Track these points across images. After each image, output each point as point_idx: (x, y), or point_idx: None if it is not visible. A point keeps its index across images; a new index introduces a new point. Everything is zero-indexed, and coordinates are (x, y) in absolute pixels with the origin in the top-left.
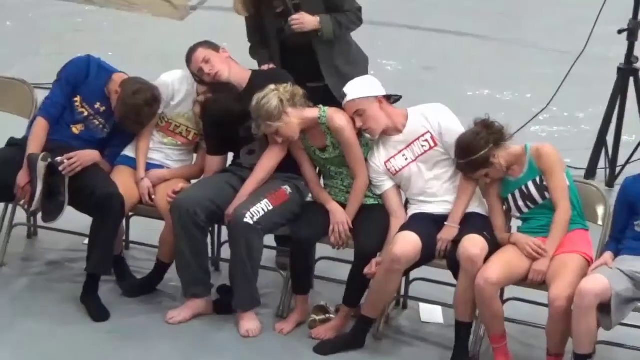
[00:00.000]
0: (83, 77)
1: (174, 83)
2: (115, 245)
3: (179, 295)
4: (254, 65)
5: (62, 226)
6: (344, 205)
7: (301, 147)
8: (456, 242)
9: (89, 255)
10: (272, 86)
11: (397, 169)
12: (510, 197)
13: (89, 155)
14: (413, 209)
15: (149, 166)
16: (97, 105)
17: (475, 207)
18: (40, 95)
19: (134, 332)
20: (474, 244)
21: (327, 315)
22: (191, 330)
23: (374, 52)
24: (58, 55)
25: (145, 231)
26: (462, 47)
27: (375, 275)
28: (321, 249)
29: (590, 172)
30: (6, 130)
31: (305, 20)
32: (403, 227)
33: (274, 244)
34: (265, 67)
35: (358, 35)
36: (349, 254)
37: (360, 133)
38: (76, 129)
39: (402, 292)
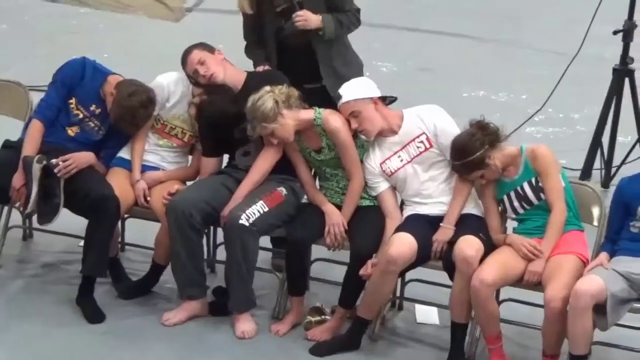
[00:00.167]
0: (78, 79)
1: (170, 85)
2: (111, 247)
3: (175, 297)
4: (249, 66)
5: (58, 228)
6: (339, 207)
7: (296, 148)
8: (452, 243)
9: (85, 257)
10: (268, 88)
11: (393, 171)
12: (505, 198)
13: (84, 157)
14: (408, 210)
15: (145, 168)
16: (93, 107)
17: (471, 208)
18: (36, 98)
19: (130, 334)
20: (469, 245)
21: (323, 317)
22: (187, 332)
23: (370, 54)
24: (53, 57)
25: (140, 233)
26: (457, 49)
27: (370, 277)
28: (317, 251)
29: (586, 173)
30: (1, 132)
31: (309, 18)
32: (398, 229)
33: (270, 246)
34: (260, 68)
35: (354, 37)
36: (345, 255)
37: (355, 134)
38: (71, 131)
39: (398, 293)
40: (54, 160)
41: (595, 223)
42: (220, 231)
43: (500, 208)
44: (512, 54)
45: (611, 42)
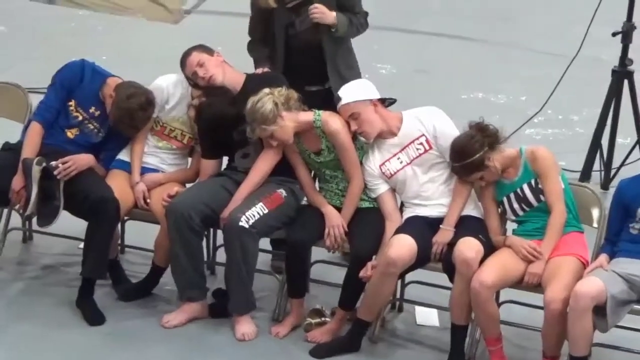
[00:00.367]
0: (77, 81)
1: (169, 87)
2: (111, 249)
3: (175, 299)
4: (248, 68)
5: (57, 230)
6: (339, 209)
7: (296, 150)
8: (451, 245)
9: (84, 259)
10: (267, 90)
11: (392, 172)
12: (505, 199)
13: (84, 160)
14: (408, 212)
15: (144, 170)
16: (92, 110)
17: (471, 210)
18: (35, 100)
19: (130, 336)
20: (469, 247)
21: (323, 319)
22: (187, 334)
23: (369, 56)
24: (52, 60)
25: (140, 235)
26: (456, 50)
27: (370, 279)
28: (316, 252)
29: (585, 174)
30: (0, 134)
31: (325, 12)
32: (398, 230)
33: (269, 248)
34: (259, 70)
35: (353, 38)
36: (341, 257)
37: (355, 136)
38: (71, 133)
39: (398, 295)
40: (53, 163)
41: (595, 225)
42: (220, 233)
43: (499, 210)
44: (511, 56)
45: (610, 44)
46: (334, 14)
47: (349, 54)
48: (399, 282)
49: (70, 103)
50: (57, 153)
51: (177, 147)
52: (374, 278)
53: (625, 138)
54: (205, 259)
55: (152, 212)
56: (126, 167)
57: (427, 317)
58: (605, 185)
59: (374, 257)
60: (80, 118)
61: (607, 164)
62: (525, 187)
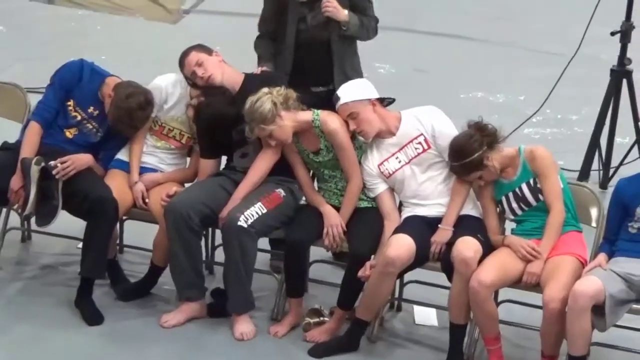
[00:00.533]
0: (76, 81)
1: (167, 86)
2: (109, 249)
3: (173, 299)
4: (247, 68)
5: (56, 230)
6: (337, 208)
7: (295, 150)
8: (450, 244)
9: (83, 259)
10: (266, 89)
11: (391, 172)
12: (504, 199)
13: (83, 159)
14: (407, 212)
15: (143, 170)
16: (91, 109)
17: (469, 210)
18: (34, 100)
19: (128, 336)
20: (467, 247)
21: (322, 318)
22: (185, 334)
23: (368, 55)
24: (51, 60)
25: (139, 235)
26: (455, 50)
27: (369, 278)
28: (315, 252)
29: (584, 174)
30: None
31: (338, 7)
32: (397, 230)
33: (268, 247)
34: (258, 69)
35: (362, 41)
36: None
37: (353, 136)
38: (69, 133)
39: (397, 294)
40: (52, 162)
41: (594, 224)
42: (218, 233)
43: (498, 209)
44: (510, 55)
45: (609, 43)
46: (346, 11)
47: (355, 57)
48: (398, 281)
49: (69, 103)
50: (56, 153)
51: (176, 147)
52: (372, 277)
53: (623, 137)
54: (204, 258)
55: (151, 212)
56: (125, 166)
57: (426, 316)
58: (603, 185)
59: (372, 256)
60: (79, 118)
61: (606, 164)
62: (524, 186)
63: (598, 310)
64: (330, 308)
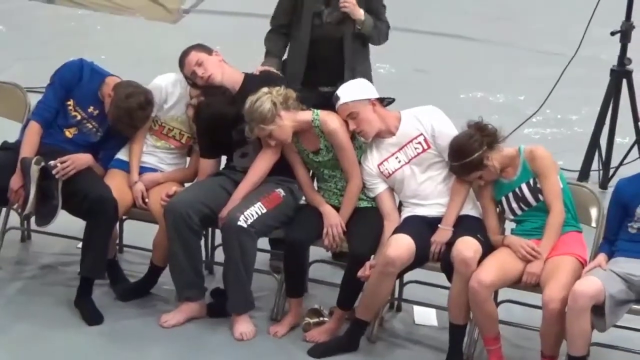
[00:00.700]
0: (76, 80)
1: (167, 86)
2: (109, 249)
3: (173, 299)
4: (247, 68)
5: (56, 230)
6: (337, 208)
7: (294, 150)
8: (450, 244)
9: (83, 258)
10: (265, 89)
11: (390, 172)
12: (503, 199)
13: (83, 159)
14: (406, 212)
15: (143, 169)
16: (91, 109)
17: (469, 210)
18: (34, 99)
19: (128, 336)
20: (467, 247)
21: (321, 318)
22: (185, 334)
23: None
24: (51, 59)
25: (138, 235)
26: (455, 50)
27: (369, 278)
28: (315, 252)
29: (584, 174)
30: None
31: (356, 5)
32: (397, 230)
33: (268, 247)
34: (259, 69)
35: (374, 44)
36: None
37: (353, 136)
38: (69, 133)
39: (396, 294)
40: (52, 162)
41: (594, 224)
42: (218, 233)
43: (498, 209)
44: (510, 55)
45: (609, 43)
46: (362, 10)
47: (367, 62)
48: (398, 281)
49: (69, 102)
50: (56, 152)
51: (176, 147)
52: (372, 278)
53: (623, 137)
54: (204, 258)
55: (151, 212)
56: (125, 166)
57: (426, 316)
58: (603, 185)
59: (372, 256)
60: (79, 117)
61: (606, 164)
62: (524, 186)
63: (598, 310)
64: (330, 308)
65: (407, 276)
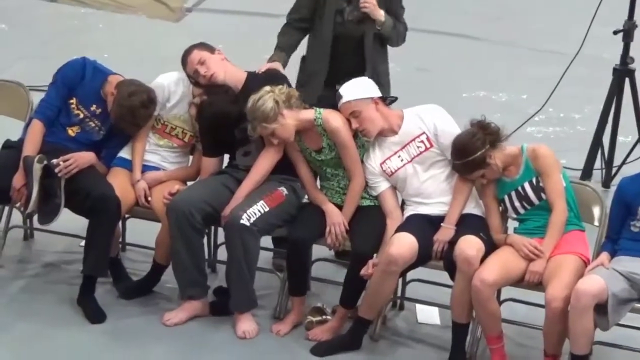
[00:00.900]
0: (79, 79)
1: (170, 85)
2: (112, 247)
3: (176, 297)
4: (250, 66)
5: (58, 228)
6: (340, 207)
7: (297, 148)
8: (452, 243)
9: (85, 257)
10: (268, 88)
11: (393, 170)
12: (506, 198)
13: (85, 157)
14: (409, 210)
15: (145, 168)
16: (93, 107)
17: (472, 208)
18: (36, 98)
19: (131, 334)
20: (470, 245)
21: (324, 317)
22: (188, 332)
23: None
24: (54, 58)
25: (141, 233)
26: (457, 49)
27: (371, 277)
28: (317, 250)
29: (587, 173)
30: (2, 132)
31: (376, 5)
32: (399, 229)
33: (271, 246)
34: (263, 68)
35: (392, 46)
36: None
37: (355, 134)
38: (72, 131)
39: (399, 293)
40: (54, 160)
41: (596, 223)
42: (221, 231)
43: (501, 208)
44: (513, 54)
45: (611, 42)
46: (382, 11)
47: (385, 64)
48: (400, 280)
49: (72, 101)
50: (58, 151)
51: (178, 145)
52: (375, 276)
53: (626, 136)
54: (207, 257)
55: (153, 210)
56: (127, 165)
57: (428, 315)
58: (606, 184)
59: (375, 255)
60: (82, 116)
61: (608, 162)
62: (527, 185)
63: (600, 309)
64: (333, 306)
65: (410, 275)
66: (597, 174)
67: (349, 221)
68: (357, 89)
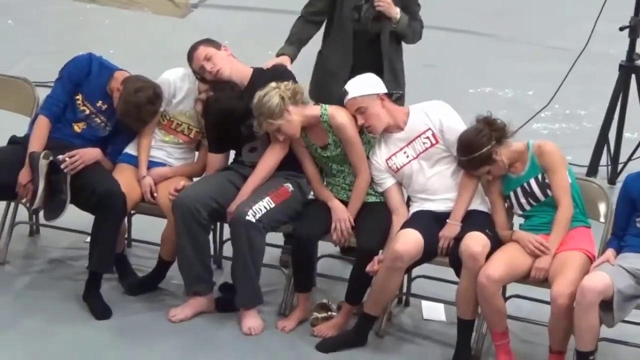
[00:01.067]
0: (85, 75)
1: (176, 81)
2: (117, 243)
3: (181, 293)
4: (255, 62)
5: (64, 224)
6: (345, 203)
7: (303, 144)
8: (458, 239)
9: (91, 253)
10: (274, 84)
11: (399, 167)
12: (512, 194)
13: (91, 153)
14: (415, 207)
15: (151, 164)
16: (99, 103)
17: (477, 205)
18: (42, 94)
19: (136, 330)
20: (476, 242)
21: (329, 313)
22: (193, 328)
23: None
24: (60, 54)
25: (147, 229)
26: (463, 45)
27: (377, 273)
28: (323, 247)
29: (592, 169)
30: (8, 128)
31: (391, 3)
32: (405, 225)
33: (276, 242)
34: (270, 63)
35: (408, 43)
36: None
37: (361, 130)
38: (78, 127)
39: (404, 289)
40: (60, 156)
41: (602, 219)
42: (226, 227)
43: (506, 204)
44: (519, 50)
45: (617, 39)
46: (398, 9)
47: (400, 59)
48: (406, 276)
49: (78, 97)
50: (64, 147)
51: (184, 141)
52: (380, 272)
53: (632, 133)
54: (212, 253)
55: (159, 206)
56: (133, 161)
57: (434, 311)
58: (612, 180)
59: (380, 251)
60: (88, 112)
61: (614, 159)
62: (532, 181)
63: (606, 305)
64: (338, 303)
65: (416, 271)
66: (603, 171)
67: (354, 217)
68: (363, 85)
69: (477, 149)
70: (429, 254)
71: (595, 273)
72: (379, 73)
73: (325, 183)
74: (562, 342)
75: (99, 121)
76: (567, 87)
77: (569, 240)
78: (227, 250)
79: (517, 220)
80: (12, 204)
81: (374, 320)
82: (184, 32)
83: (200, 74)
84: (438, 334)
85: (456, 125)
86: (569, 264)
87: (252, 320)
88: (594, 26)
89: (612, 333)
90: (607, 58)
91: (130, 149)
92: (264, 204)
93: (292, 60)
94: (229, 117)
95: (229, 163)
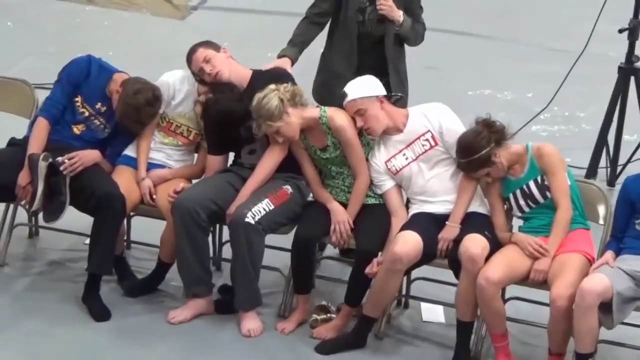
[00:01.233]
0: (84, 77)
1: (175, 83)
2: (117, 245)
3: (180, 295)
4: (255, 64)
5: (63, 226)
6: (345, 205)
7: (302, 146)
8: (457, 241)
9: (90, 255)
10: (273, 86)
11: (398, 169)
12: (511, 196)
13: (90, 155)
14: (414, 209)
15: (150, 166)
16: (98, 105)
17: (477, 207)
18: (41, 95)
19: (136, 332)
20: (475, 244)
21: (329, 315)
22: (192, 330)
23: None
24: (59, 55)
25: (146, 231)
26: (462, 47)
27: (376, 275)
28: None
29: (591, 171)
30: (7, 130)
31: (393, 6)
32: (404, 227)
33: (275, 244)
34: (270, 65)
35: (411, 45)
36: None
37: (361, 132)
38: (77, 129)
39: (404, 291)
40: (59, 158)
41: (601, 221)
42: (226, 229)
43: (506, 206)
44: (518, 53)
45: (617, 41)
46: (400, 12)
47: (403, 61)
48: (405, 278)
49: (77, 99)
50: (63, 149)
51: (183, 143)
52: (379, 274)
53: (631, 135)
54: (211, 255)
55: (158, 208)
56: (132, 163)
57: (433, 313)
58: (611, 182)
59: (379, 253)
60: (87, 114)
61: (614, 161)
62: (532, 183)
63: (605, 307)
64: (338, 305)
65: (415, 273)
66: (602, 173)
67: (353, 219)
68: (362, 88)
69: (476, 151)
70: (428, 256)
71: (594, 275)
72: (383, 75)
73: (324, 185)
74: (562, 344)
75: (98, 123)
76: (567, 89)
77: (568, 242)
78: (227, 252)
79: (517, 222)
80: (12, 206)
81: (373, 322)
82: (183, 34)
83: (199, 76)
84: (437, 336)
85: (455, 127)
86: (568, 266)
87: (251, 322)
88: (594, 28)
89: (611, 335)
90: (606, 60)
91: (129, 151)
92: (263, 206)
93: (293, 63)
94: (228, 119)
95: (228, 165)
